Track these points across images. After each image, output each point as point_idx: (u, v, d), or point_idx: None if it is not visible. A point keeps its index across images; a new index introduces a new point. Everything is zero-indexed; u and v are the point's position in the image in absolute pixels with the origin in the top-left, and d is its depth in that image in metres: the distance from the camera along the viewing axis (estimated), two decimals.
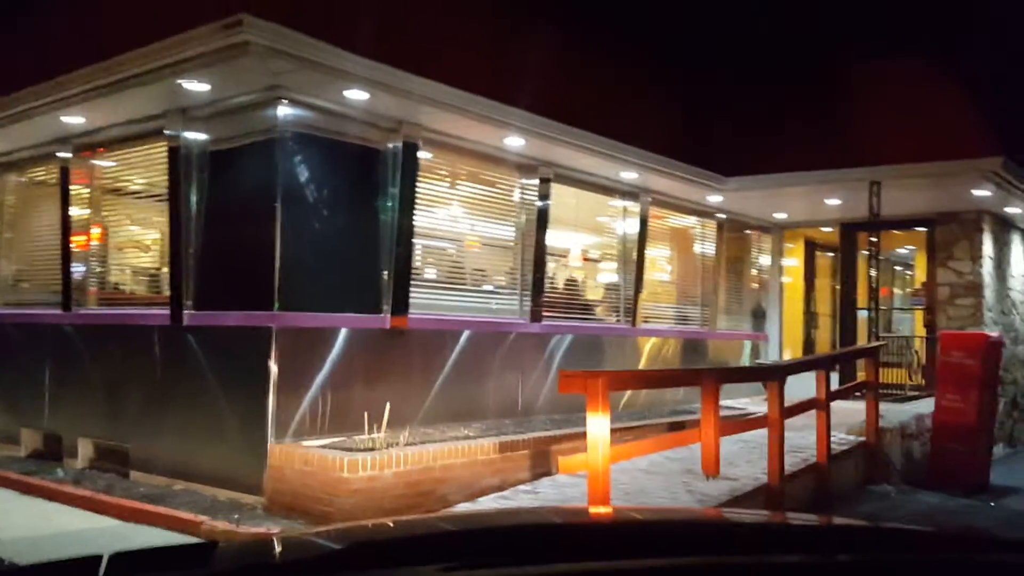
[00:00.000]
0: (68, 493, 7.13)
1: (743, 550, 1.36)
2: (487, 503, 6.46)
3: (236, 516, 6.25)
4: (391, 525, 1.66)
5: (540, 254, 9.39)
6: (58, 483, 7.44)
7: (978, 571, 1.35)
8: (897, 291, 17.33)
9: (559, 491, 6.60)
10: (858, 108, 10.25)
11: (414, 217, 7.87)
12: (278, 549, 1.43)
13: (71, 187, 8.79)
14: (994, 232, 12.54)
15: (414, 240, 7.94)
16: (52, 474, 7.83)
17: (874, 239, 10.88)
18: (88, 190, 8.80)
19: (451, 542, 1.37)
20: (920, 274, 13.81)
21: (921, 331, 12.97)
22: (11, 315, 9.64)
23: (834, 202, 11.94)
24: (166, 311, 7.58)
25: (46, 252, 9.26)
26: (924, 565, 1.32)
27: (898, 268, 17.41)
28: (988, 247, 12.30)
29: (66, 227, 8.78)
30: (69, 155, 8.74)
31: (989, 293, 12.30)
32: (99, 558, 0.95)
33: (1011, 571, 1.36)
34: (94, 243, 8.82)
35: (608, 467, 5.33)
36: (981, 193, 10.93)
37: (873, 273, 10.91)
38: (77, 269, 8.75)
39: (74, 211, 8.79)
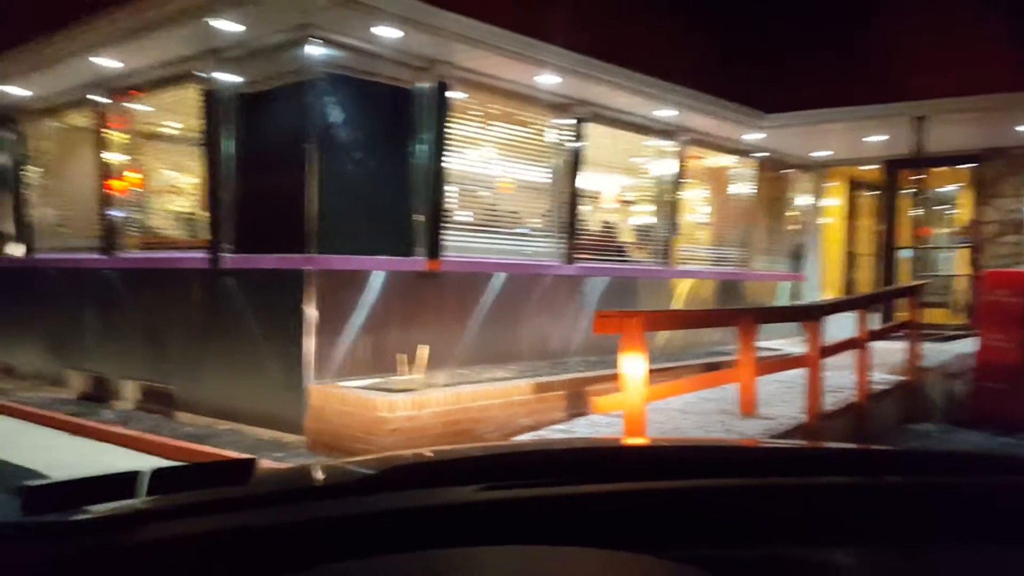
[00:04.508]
0: (115, 433, 7.32)
1: (783, 473, 1.34)
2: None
3: (279, 454, 6.39)
4: (429, 453, 1.67)
5: (574, 196, 9.30)
6: (106, 424, 7.64)
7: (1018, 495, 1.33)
8: (940, 230, 16.96)
9: (594, 430, 6.63)
10: (902, 41, 9.91)
11: (447, 159, 7.82)
12: (319, 473, 1.44)
13: (107, 132, 8.86)
14: None
15: (447, 182, 7.90)
16: (100, 415, 8.04)
17: (918, 177, 10.60)
18: (124, 135, 8.86)
19: (488, 466, 1.38)
20: (965, 212, 13.48)
21: (964, 270, 12.72)
22: (54, 260, 9.83)
23: (877, 139, 11.65)
24: (204, 255, 7.66)
25: (85, 197, 9.38)
26: (974, 487, 1.30)
27: (942, 206, 17.01)
28: None
29: (104, 172, 8.87)
30: (104, 100, 8.79)
31: None
32: (137, 473, 0.97)
33: None
34: (132, 188, 8.91)
35: (644, 406, 5.33)
36: None
37: (916, 212, 10.66)
38: (116, 214, 8.86)
39: (111, 156, 8.87)
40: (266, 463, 6.08)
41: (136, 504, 0.99)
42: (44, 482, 0.96)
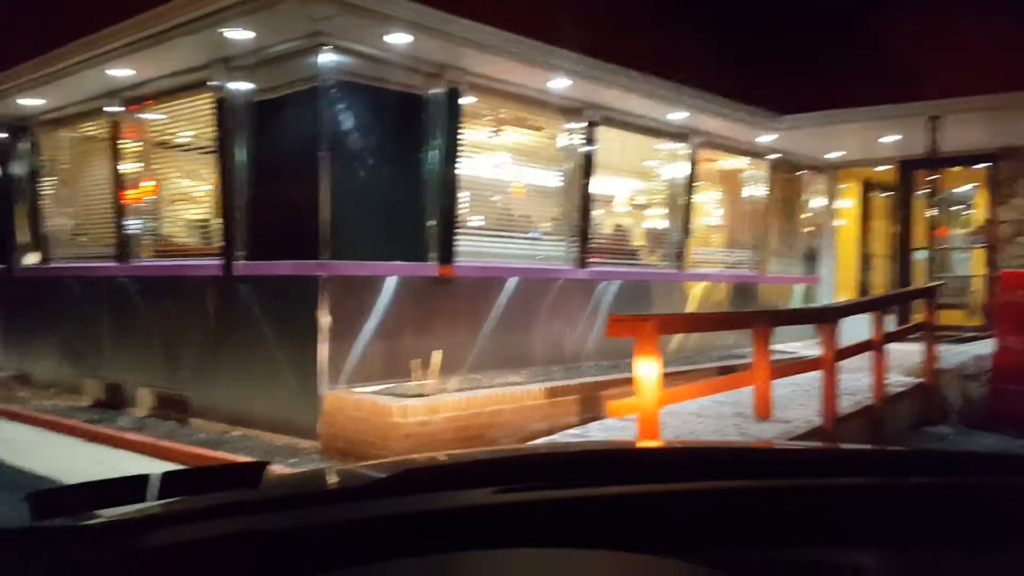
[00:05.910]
0: (131, 440, 7.35)
1: (799, 475, 1.33)
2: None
3: (293, 460, 6.40)
4: (443, 457, 1.66)
5: (586, 200, 9.28)
6: (121, 431, 7.68)
7: None
8: (956, 231, 16.84)
9: (608, 434, 6.61)
10: (916, 39, 9.84)
11: (458, 164, 7.82)
12: (332, 477, 1.43)
13: (121, 141, 8.92)
14: None
15: (459, 187, 7.90)
16: (115, 422, 8.08)
17: (933, 177, 10.53)
18: (138, 144, 8.91)
19: (502, 469, 1.36)
20: (980, 212, 13.38)
21: (980, 271, 12.61)
22: (70, 268, 9.89)
23: (891, 139, 11.58)
24: (218, 262, 7.69)
25: (100, 206, 9.45)
26: (995, 488, 1.28)
27: (957, 207, 16.89)
28: None
29: (118, 181, 8.93)
30: (118, 109, 8.84)
31: None
32: (147, 477, 0.96)
33: None
34: (146, 196, 8.96)
35: (658, 410, 5.31)
36: None
37: (931, 212, 10.58)
38: (130, 222, 8.92)
39: (125, 165, 8.93)
40: (279, 468, 6.09)
41: (146, 508, 0.99)
42: (53, 487, 0.95)
